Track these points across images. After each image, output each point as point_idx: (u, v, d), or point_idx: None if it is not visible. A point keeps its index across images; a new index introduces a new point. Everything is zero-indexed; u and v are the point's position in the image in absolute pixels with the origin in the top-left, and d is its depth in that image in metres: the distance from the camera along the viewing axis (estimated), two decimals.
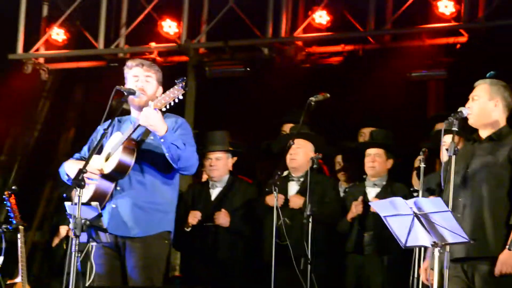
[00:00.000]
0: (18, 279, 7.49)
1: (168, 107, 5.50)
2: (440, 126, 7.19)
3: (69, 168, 5.81)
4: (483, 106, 5.58)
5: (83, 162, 5.65)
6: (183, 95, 5.47)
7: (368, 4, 9.47)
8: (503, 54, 8.56)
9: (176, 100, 5.47)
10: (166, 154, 5.59)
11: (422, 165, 6.44)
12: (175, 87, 5.45)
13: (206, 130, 8.12)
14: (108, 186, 5.68)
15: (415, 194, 7.07)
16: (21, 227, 7.49)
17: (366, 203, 7.41)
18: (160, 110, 5.49)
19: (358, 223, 7.43)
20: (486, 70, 5.91)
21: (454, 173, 5.40)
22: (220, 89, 10.08)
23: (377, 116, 8.61)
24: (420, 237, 5.20)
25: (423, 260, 5.86)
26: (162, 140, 5.54)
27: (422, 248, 6.10)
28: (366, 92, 9.26)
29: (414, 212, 5.13)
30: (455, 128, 5.44)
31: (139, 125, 5.56)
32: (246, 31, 9.91)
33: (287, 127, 8.33)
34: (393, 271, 7.30)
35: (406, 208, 5.15)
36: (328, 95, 6.96)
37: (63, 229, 8.29)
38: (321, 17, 9.66)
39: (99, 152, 5.66)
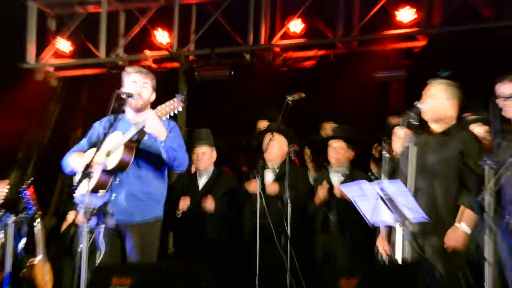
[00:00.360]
0: (38, 258, 7.80)
1: (168, 117, 5.62)
2: (392, 119, 7.65)
3: (73, 161, 5.98)
4: (440, 104, 5.83)
5: (84, 155, 5.91)
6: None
7: (337, 13, 9.78)
8: (458, 56, 8.94)
9: (176, 112, 5.57)
10: (164, 156, 5.76)
11: (387, 155, 6.36)
12: (175, 99, 5.54)
13: (196, 127, 8.27)
14: (108, 179, 5.83)
15: (372, 177, 7.11)
16: (39, 213, 7.73)
17: (331, 189, 7.57)
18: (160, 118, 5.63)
19: (324, 206, 7.59)
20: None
21: (410, 161, 5.66)
22: (208, 91, 10.20)
23: (336, 112, 8.77)
24: (385, 216, 5.47)
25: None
26: (162, 144, 5.68)
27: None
28: (336, 91, 9.53)
29: (378, 194, 5.38)
30: (416, 122, 5.70)
31: (142, 129, 5.69)
32: (230, 39, 10.17)
33: (261, 124, 8.54)
34: (356, 247, 7.48)
35: (371, 191, 5.41)
36: (303, 94, 7.06)
37: (70, 215, 8.47)
38: (295, 26, 9.95)
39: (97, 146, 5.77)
